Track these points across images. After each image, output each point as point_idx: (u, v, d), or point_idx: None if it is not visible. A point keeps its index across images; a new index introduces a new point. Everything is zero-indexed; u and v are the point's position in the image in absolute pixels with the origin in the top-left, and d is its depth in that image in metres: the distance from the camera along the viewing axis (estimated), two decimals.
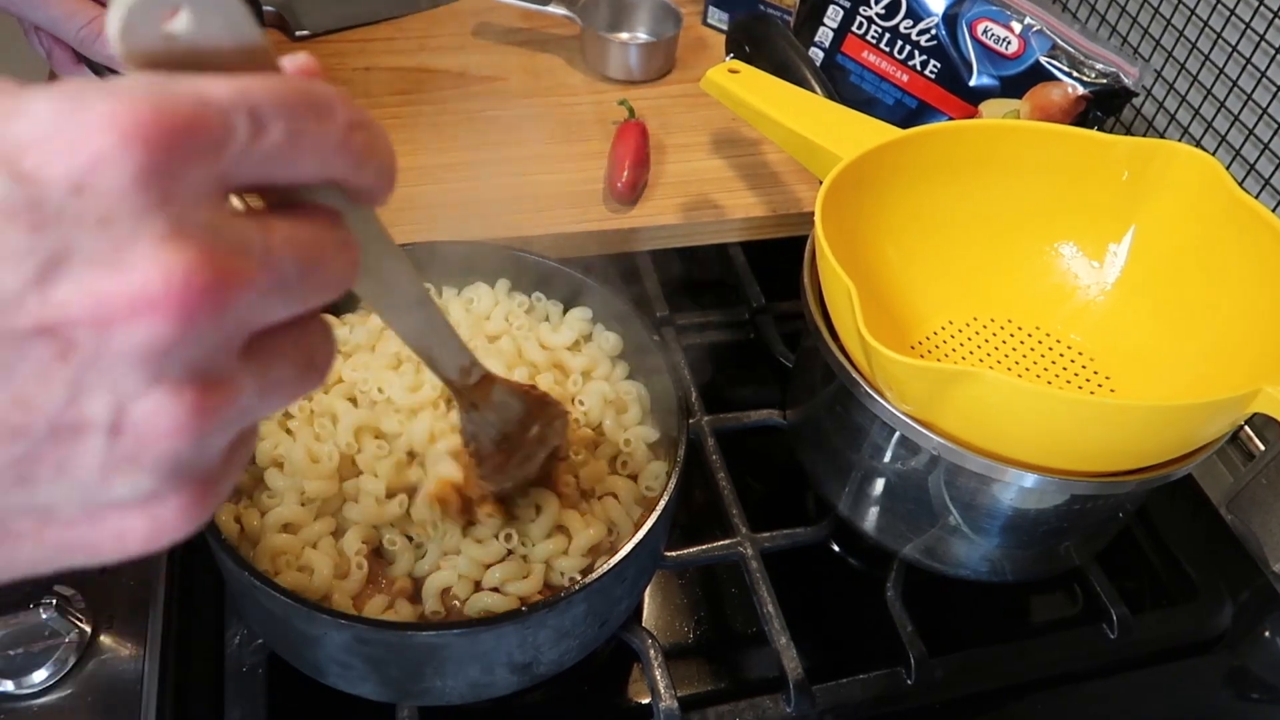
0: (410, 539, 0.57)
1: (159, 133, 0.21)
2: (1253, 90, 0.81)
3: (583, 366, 0.66)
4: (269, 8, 1.00)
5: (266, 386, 0.26)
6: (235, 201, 0.26)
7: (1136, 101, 0.91)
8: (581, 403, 0.64)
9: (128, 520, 0.24)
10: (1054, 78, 0.81)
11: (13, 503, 0.23)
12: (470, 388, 0.49)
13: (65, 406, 0.22)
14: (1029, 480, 0.56)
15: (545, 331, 0.68)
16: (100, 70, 0.65)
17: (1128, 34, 0.93)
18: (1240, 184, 0.75)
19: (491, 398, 0.52)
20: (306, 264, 0.25)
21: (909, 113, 0.89)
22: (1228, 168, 0.72)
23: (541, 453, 0.57)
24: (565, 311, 0.70)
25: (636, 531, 0.55)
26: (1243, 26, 0.81)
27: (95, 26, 0.62)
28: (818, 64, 0.90)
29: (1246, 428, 0.79)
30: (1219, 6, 0.83)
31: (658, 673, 0.60)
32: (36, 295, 0.21)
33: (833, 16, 0.89)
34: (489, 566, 0.56)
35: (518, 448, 0.55)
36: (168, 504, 0.24)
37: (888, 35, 0.87)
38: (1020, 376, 0.69)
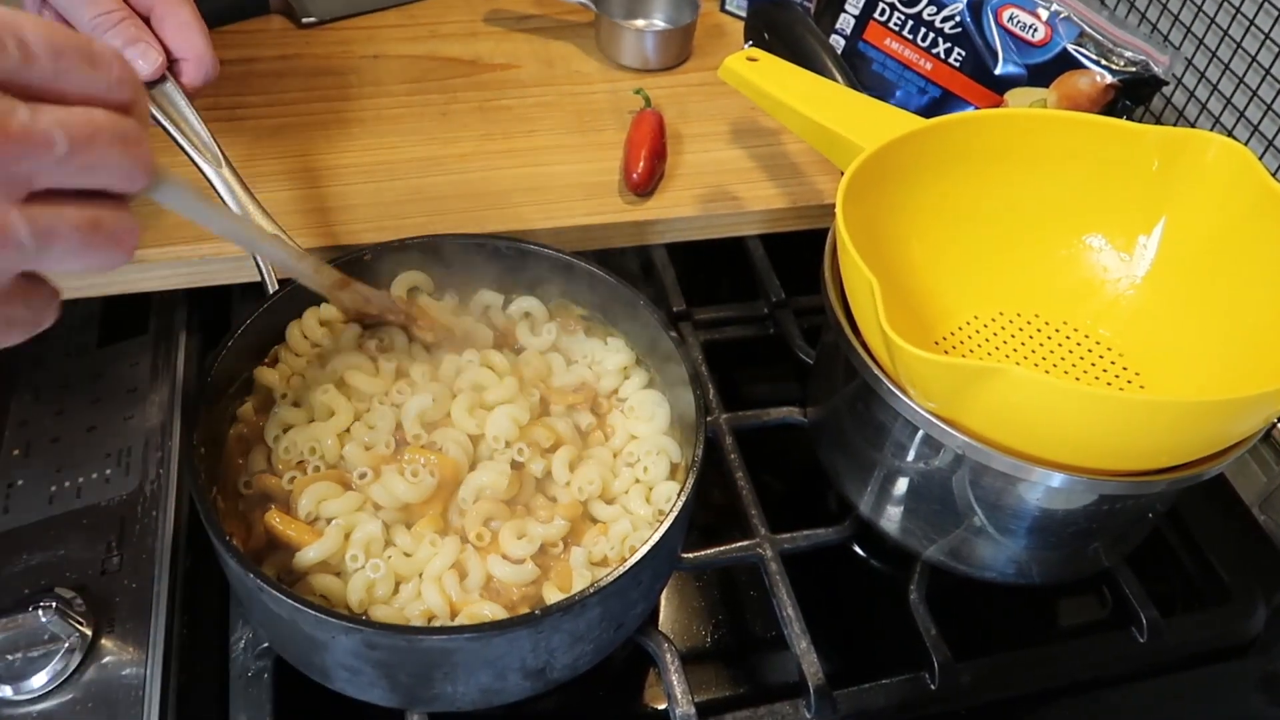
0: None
1: None
2: None
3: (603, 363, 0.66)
4: None
5: (42, 235, 0.33)
6: None
7: (1167, 90, 0.90)
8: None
9: None
10: (1082, 66, 0.79)
11: None
12: (329, 287, 0.61)
13: None
14: (1056, 480, 0.55)
15: (569, 345, 0.68)
16: None
17: (1157, 21, 0.92)
18: (1274, 175, 0.74)
19: (353, 292, 0.63)
20: (76, 141, 0.33)
21: (933, 102, 0.88)
22: (1260, 158, 0.70)
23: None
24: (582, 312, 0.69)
25: (653, 533, 0.54)
26: (1276, 13, 0.79)
27: (113, 18, 0.61)
28: (839, 52, 0.89)
29: None
30: None
31: (675, 678, 0.60)
32: None
33: (854, 3, 0.88)
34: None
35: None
36: None
37: (911, 22, 0.86)
38: (1047, 373, 0.68)
